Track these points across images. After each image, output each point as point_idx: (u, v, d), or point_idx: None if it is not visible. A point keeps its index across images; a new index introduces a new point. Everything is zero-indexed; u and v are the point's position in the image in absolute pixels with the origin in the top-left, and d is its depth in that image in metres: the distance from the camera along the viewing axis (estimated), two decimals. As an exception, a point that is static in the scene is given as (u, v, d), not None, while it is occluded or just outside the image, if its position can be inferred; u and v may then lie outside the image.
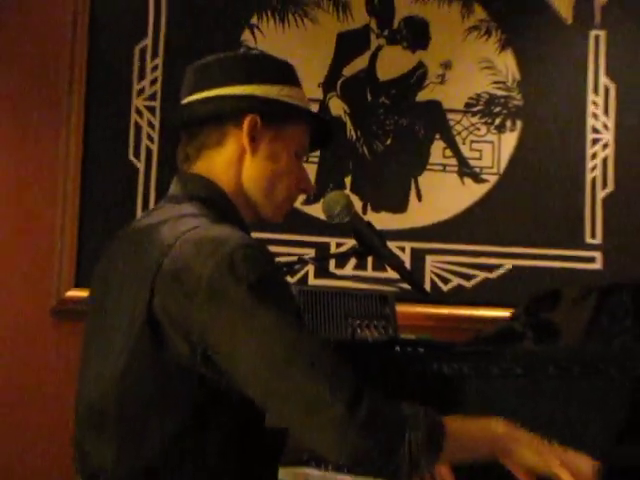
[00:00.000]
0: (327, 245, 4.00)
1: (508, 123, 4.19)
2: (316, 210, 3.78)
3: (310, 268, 3.95)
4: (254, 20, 4.07)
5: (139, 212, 3.91)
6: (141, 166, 3.96)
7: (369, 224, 2.53)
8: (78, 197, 3.88)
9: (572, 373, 2.08)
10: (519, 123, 4.19)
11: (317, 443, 1.68)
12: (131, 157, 3.96)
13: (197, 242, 1.77)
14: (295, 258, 2.84)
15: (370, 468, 1.71)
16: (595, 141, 4.21)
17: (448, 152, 4.15)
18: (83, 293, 3.70)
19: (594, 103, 4.22)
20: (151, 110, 3.98)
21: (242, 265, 1.73)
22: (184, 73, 2.07)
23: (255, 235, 1.99)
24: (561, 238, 4.15)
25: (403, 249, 4.05)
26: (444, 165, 4.15)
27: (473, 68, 4.18)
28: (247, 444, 1.81)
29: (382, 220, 3.98)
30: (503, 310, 3.60)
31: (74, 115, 3.89)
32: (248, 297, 1.71)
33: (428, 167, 4.13)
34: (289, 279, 3.83)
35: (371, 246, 2.51)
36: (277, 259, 2.63)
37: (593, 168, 4.20)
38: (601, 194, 4.19)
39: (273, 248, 3.77)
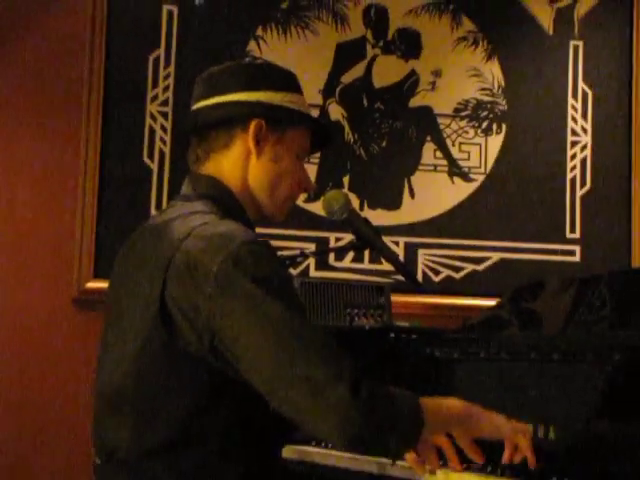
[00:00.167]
0: (327, 240, 4.00)
1: (494, 126, 4.19)
2: (316, 207, 3.78)
3: (311, 261, 3.95)
4: (259, 32, 4.07)
5: (152, 209, 3.91)
6: (154, 167, 3.96)
7: (366, 220, 2.53)
8: (96, 195, 3.88)
9: (553, 358, 2.08)
10: (504, 126, 4.19)
11: (320, 426, 1.67)
12: (145, 158, 3.95)
13: (206, 237, 1.77)
14: (297, 252, 2.85)
15: (367, 447, 1.71)
16: (574, 143, 4.21)
17: (439, 153, 4.15)
18: (102, 284, 3.72)
19: (573, 108, 4.22)
20: (164, 115, 3.98)
21: (248, 260, 1.73)
22: (194, 81, 2.08)
23: (260, 231, 2.00)
24: (543, 233, 4.15)
25: (397, 243, 4.05)
26: (435, 165, 4.14)
27: (462, 76, 4.18)
28: (253, 426, 1.81)
29: (378, 216, 3.98)
30: (490, 300, 3.58)
31: (93, 119, 3.89)
32: (253, 290, 1.71)
33: (420, 167, 4.13)
34: (292, 271, 3.84)
35: (368, 240, 2.51)
36: (280, 253, 2.65)
37: (572, 168, 4.20)
38: (580, 192, 4.19)
39: (277, 243, 3.77)
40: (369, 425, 1.66)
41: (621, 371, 1.95)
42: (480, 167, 4.16)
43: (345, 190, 3.98)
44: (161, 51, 4.00)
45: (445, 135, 4.15)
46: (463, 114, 4.17)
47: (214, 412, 1.78)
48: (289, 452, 2.38)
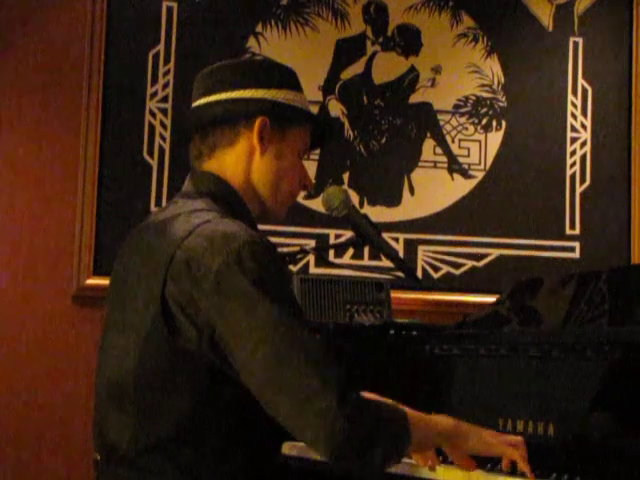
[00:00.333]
0: (327, 236, 4.00)
1: (494, 123, 4.19)
2: (316, 204, 3.78)
3: (311, 258, 3.96)
4: (259, 28, 4.07)
5: (152, 205, 3.92)
6: (154, 163, 3.96)
7: (365, 217, 2.53)
8: (96, 192, 3.88)
9: (552, 355, 2.09)
10: (504, 123, 4.19)
11: (306, 434, 1.68)
12: (145, 155, 3.96)
13: (208, 236, 1.78)
14: (297, 248, 2.85)
15: (351, 459, 1.71)
16: (574, 139, 4.21)
17: (438, 150, 4.15)
18: (101, 281, 3.73)
19: (573, 104, 4.22)
20: (163, 112, 3.98)
21: (249, 260, 1.73)
22: (194, 78, 2.08)
23: (260, 227, 2.01)
24: (543, 229, 4.16)
25: (397, 240, 4.06)
26: (435, 162, 4.15)
27: (461, 72, 4.18)
28: (253, 423, 1.81)
29: (377, 213, 3.98)
30: (489, 296, 3.60)
31: (92, 116, 3.89)
32: (252, 290, 1.71)
33: (420, 164, 4.14)
34: (292, 268, 3.84)
35: (367, 237, 2.51)
36: (281, 249, 2.65)
37: (572, 165, 4.20)
38: (579, 189, 4.19)
39: (277, 239, 3.78)
40: (354, 437, 1.66)
41: (620, 367, 1.95)
42: (480, 163, 4.16)
43: (345, 187, 3.98)
44: (161, 47, 4.00)
45: (445, 131, 4.15)
46: (463, 110, 4.17)
47: (214, 409, 1.79)
48: (288, 449, 2.38)
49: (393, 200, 4.10)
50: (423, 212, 4.11)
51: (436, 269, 4.09)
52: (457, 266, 4.10)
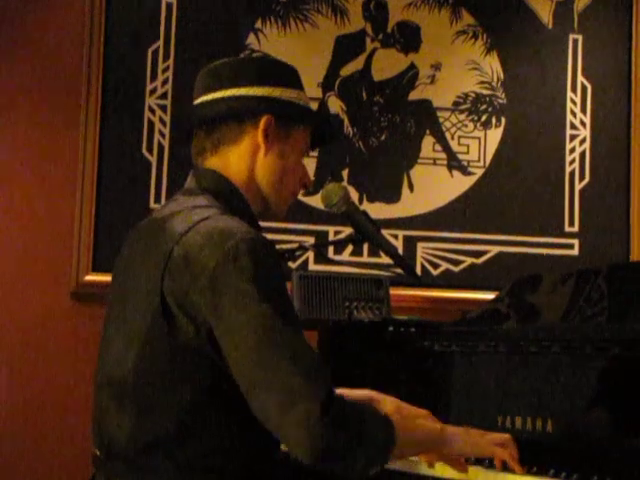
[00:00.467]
0: (326, 233, 4.01)
1: (493, 120, 4.19)
2: (316, 201, 3.78)
3: (310, 254, 3.96)
4: (258, 24, 4.07)
5: (151, 202, 3.92)
6: (153, 160, 3.96)
7: (365, 213, 2.53)
8: (95, 188, 3.88)
9: (551, 351, 2.09)
10: (503, 120, 4.19)
11: (288, 437, 1.68)
12: (144, 151, 3.96)
13: (207, 233, 1.78)
14: (296, 245, 2.85)
15: (331, 465, 1.72)
16: (573, 137, 4.22)
17: (438, 147, 4.15)
18: (100, 277, 3.73)
19: (572, 101, 4.22)
20: (163, 108, 3.98)
21: (245, 258, 1.73)
22: (195, 74, 2.07)
23: (260, 224, 2.01)
24: (542, 226, 4.16)
25: (396, 236, 4.06)
26: (434, 159, 4.15)
27: (461, 69, 4.18)
28: (253, 420, 1.81)
29: (377, 210, 3.98)
30: (488, 293, 3.61)
31: (91, 112, 3.89)
32: (246, 289, 1.71)
33: (419, 161, 4.14)
34: (291, 264, 3.84)
35: (367, 234, 2.51)
36: (280, 246, 2.65)
37: (571, 162, 4.21)
38: (579, 186, 4.20)
39: (276, 236, 3.78)
40: (335, 443, 1.67)
41: (619, 364, 1.96)
42: (479, 160, 4.16)
43: (344, 183, 3.98)
44: (160, 44, 4.00)
45: (444, 128, 4.15)
46: (462, 107, 4.18)
47: (214, 406, 1.79)
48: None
49: (392, 197, 4.10)
50: (422, 209, 4.11)
51: (435, 266, 4.09)
52: (456, 263, 4.10)
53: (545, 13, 4.23)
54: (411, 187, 4.11)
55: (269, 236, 1.92)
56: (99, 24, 3.92)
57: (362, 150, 4.10)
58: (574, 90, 4.23)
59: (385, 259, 3.53)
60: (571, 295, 2.38)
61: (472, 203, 4.13)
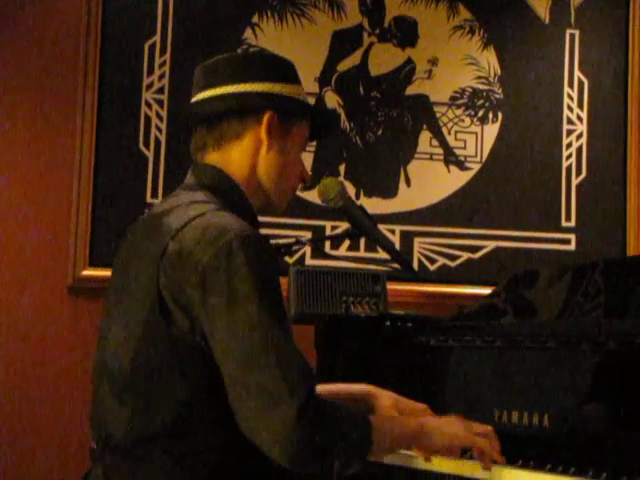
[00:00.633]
0: (323, 228, 4.01)
1: (490, 115, 4.19)
2: (312, 195, 3.78)
3: (307, 249, 3.96)
4: (255, 19, 4.07)
5: (148, 197, 3.92)
6: (150, 155, 3.96)
7: (362, 208, 2.53)
8: (92, 183, 3.88)
9: (547, 347, 2.09)
10: (500, 115, 4.20)
11: (263, 439, 1.70)
12: (141, 146, 3.96)
13: (202, 229, 1.78)
14: (293, 240, 2.85)
15: (306, 467, 1.73)
16: (570, 132, 4.22)
17: (435, 142, 4.15)
18: (97, 272, 3.74)
19: (569, 96, 4.23)
20: (159, 103, 3.98)
21: (239, 255, 1.74)
22: (192, 68, 2.07)
23: (258, 218, 2.01)
24: (539, 221, 4.16)
25: (393, 231, 4.06)
26: (431, 154, 4.15)
27: (458, 64, 4.18)
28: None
29: (374, 205, 3.98)
30: (485, 288, 3.61)
31: (88, 107, 3.89)
32: (238, 287, 1.72)
33: (416, 156, 4.14)
34: (288, 259, 3.85)
35: (363, 229, 2.51)
36: (277, 241, 2.65)
37: (568, 157, 4.21)
38: (575, 181, 4.20)
39: (273, 231, 3.78)
40: (310, 446, 1.68)
41: (616, 359, 1.96)
42: (476, 155, 4.17)
43: (341, 178, 3.99)
44: (157, 39, 4.00)
45: (441, 123, 4.16)
46: (459, 102, 4.18)
47: (211, 400, 1.79)
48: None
49: (389, 192, 4.10)
50: (419, 204, 4.11)
51: (432, 261, 4.09)
52: (453, 258, 4.10)
53: (542, 8, 4.23)
54: (408, 182, 4.11)
55: (266, 231, 1.93)
56: (96, 18, 3.92)
57: (359, 145, 4.10)
58: (571, 85, 4.23)
59: (382, 254, 3.53)
60: (568, 290, 2.38)
61: (469, 198, 4.13)
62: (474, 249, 4.12)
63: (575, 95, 4.23)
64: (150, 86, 3.98)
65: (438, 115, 4.15)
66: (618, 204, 4.19)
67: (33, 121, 3.89)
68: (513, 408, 2.12)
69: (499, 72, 4.20)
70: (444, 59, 4.17)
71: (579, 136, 4.22)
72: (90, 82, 3.89)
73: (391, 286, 3.45)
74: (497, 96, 4.19)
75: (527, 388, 2.12)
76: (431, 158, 4.14)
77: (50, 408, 3.80)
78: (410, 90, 4.15)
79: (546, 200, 4.17)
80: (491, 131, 4.18)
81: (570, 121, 4.22)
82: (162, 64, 4.00)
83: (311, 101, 3.92)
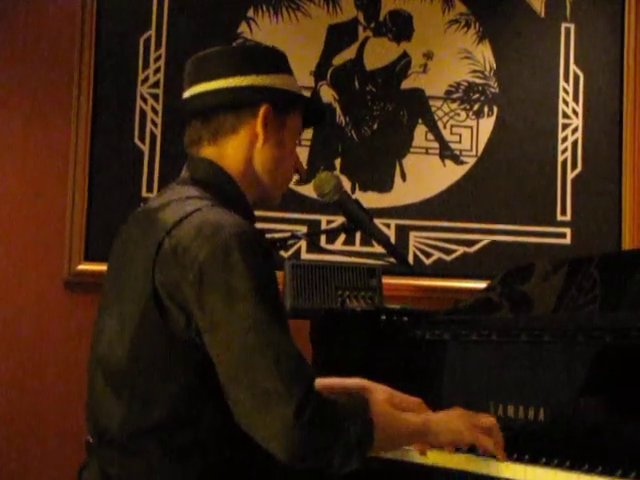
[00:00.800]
0: (318, 222, 4.00)
1: (485, 109, 4.19)
2: (308, 190, 3.78)
3: (302, 243, 3.96)
4: (250, 13, 4.06)
5: (143, 191, 3.91)
6: (145, 149, 3.95)
7: (357, 202, 2.54)
8: (87, 178, 3.87)
9: (543, 340, 2.10)
10: (496, 109, 4.19)
11: (262, 436, 1.70)
12: (136, 141, 3.95)
13: (197, 225, 1.78)
14: (289, 234, 2.85)
15: (306, 464, 1.73)
16: (565, 126, 4.22)
17: (430, 136, 4.15)
18: (92, 267, 3.73)
19: (565, 90, 4.23)
20: (155, 97, 3.97)
21: (236, 252, 1.73)
22: (186, 63, 2.07)
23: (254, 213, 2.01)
24: (534, 215, 4.16)
25: (389, 225, 4.06)
26: (426, 148, 4.15)
27: (453, 58, 4.18)
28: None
29: (369, 199, 3.98)
30: (480, 282, 3.61)
31: (83, 101, 3.88)
32: (235, 285, 1.71)
33: (412, 150, 4.13)
34: (283, 253, 3.85)
35: (359, 223, 2.52)
36: (272, 235, 2.65)
37: (564, 151, 4.21)
38: (571, 175, 4.20)
39: (269, 225, 3.78)
40: (309, 445, 1.68)
41: (611, 353, 1.96)
42: (471, 150, 4.17)
43: (336, 172, 3.98)
44: (152, 32, 3.99)
45: (437, 117, 4.15)
46: (455, 96, 4.17)
47: (207, 396, 1.79)
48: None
49: (385, 186, 4.10)
50: (415, 198, 4.11)
51: (427, 255, 4.09)
52: (448, 252, 4.11)
53: (537, 2, 4.23)
54: (403, 176, 4.11)
55: (261, 225, 1.93)
56: (91, 13, 3.91)
57: (354, 139, 4.10)
58: (566, 79, 4.23)
59: (378, 248, 3.53)
60: (563, 284, 2.38)
61: (464, 192, 4.13)
62: (470, 243, 4.12)
63: (570, 89, 4.23)
64: (145, 80, 3.98)
65: (433, 109, 4.15)
66: (613, 198, 4.19)
67: (28, 116, 3.89)
68: (509, 402, 2.12)
69: (494, 66, 4.20)
70: (439, 53, 4.17)
71: (574, 130, 4.22)
72: (85, 76, 3.89)
73: (387, 280, 3.45)
74: (492, 90, 4.19)
75: (523, 382, 2.12)
76: (426, 152, 4.14)
77: (46, 402, 3.80)
78: (405, 84, 4.15)
79: (542, 194, 4.17)
80: (486, 125, 4.18)
81: (565, 115, 4.22)
82: (157, 58, 3.99)
83: (305, 94, 3.91)
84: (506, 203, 4.14)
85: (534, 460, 1.94)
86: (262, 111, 1.96)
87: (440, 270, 4.08)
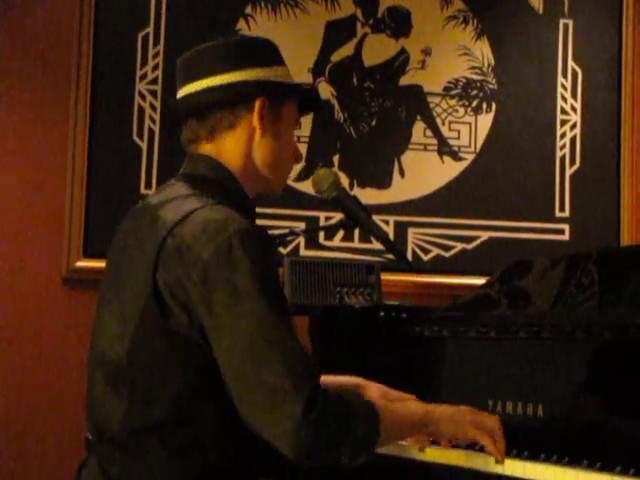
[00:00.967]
0: (317, 219, 4.01)
1: (484, 105, 4.19)
2: (306, 186, 3.78)
3: (301, 240, 3.96)
4: (248, 10, 4.06)
5: (142, 188, 3.91)
6: (144, 145, 3.95)
7: (355, 199, 2.53)
8: (85, 174, 3.87)
9: (541, 337, 2.10)
10: (494, 105, 4.19)
11: (271, 434, 1.70)
12: (134, 137, 3.95)
13: (200, 224, 1.78)
14: (287, 231, 2.85)
15: (315, 461, 1.73)
16: (564, 122, 4.22)
17: (428, 132, 4.15)
18: (91, 263, 3.73)
19: (563, 86, 4.22)
20: (153, 94, 3.97)
21: (239, 251, 1.73)
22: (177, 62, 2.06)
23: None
24: (533, 211, 4.16)
25: (387, 222, 4.06)
26: (425, 144, 4.15)
27: (451, 54, 4.18)
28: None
29: (367, 195, 3.98)
30: (479, 278, 3.61)
31: (81, 98, 3.88)
32: (240, 283, 1.71)
33: (410, 146, 4.13)
34: (281, 250, 3.84)
35: (357, 219, 2.51)
36: (271, 232, 2.65)
37: (562, 147, 4.21)
38: (569, 171, 4.20)
39: (267, 222, 3.78)
40: (317, 442, 1.68)
41: (609, 349, 1.96)
42: (470, 146, 4.16)
43: (335, 169, 3.98)
44: (150, 29, 3.99)
45: (435, 114, 4.15)
46: (453, 93, 4.17)
47: (207, 394, 1.79)
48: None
49: (383, 182, 4.10)
50: (413, 194, 4.11)
51: (426, 251, 4.09)
52: (447, 248, 4.11)
53: (536, -2, 4.23)
54: (402, 173, 4.11)
55: (260, 222, 1.92)
56: (89, 9, 3.91)
57: (353, 136, 4.10)
58: (565, 75, 4.23)
59: (376, 245, 3.51)
60: (561, 280, 2.38)
61: (463, 189, 4.13)
62: (468, 239, 4.12)
63: (569, 85, 4.23)
64: (143, 77, 3.97)
65: (432, 105, 4.15)
66: (612, 194, 4.19)
67: (26, 112, 3.88)
68: (507, 398, 2.12)
69: (493, 62, 4.19)
70: (438, 49, 4.16)
71: (573, 126, 4.22)
72: (83, 73, 3.88)
73: (385, 276, 3.45)
74: (491, 86, 4.19)
75: (521, 378, 2.12)
76: (425, 149, 4.14)
77: (45, 398, 3.80)
78: (404, 80, 4.15)
79: (540, 190, 4.17)
80: (485, 121, 4.18)
81: (564, 111, 4.22)
82: (155, 55, 3.99)
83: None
84: (504, 199, 4.14)
85: (533, 456, 1.94)
86: (257, 105, 1.96)
87: (439, 266, 4.08)
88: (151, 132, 3.95)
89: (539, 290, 2.46)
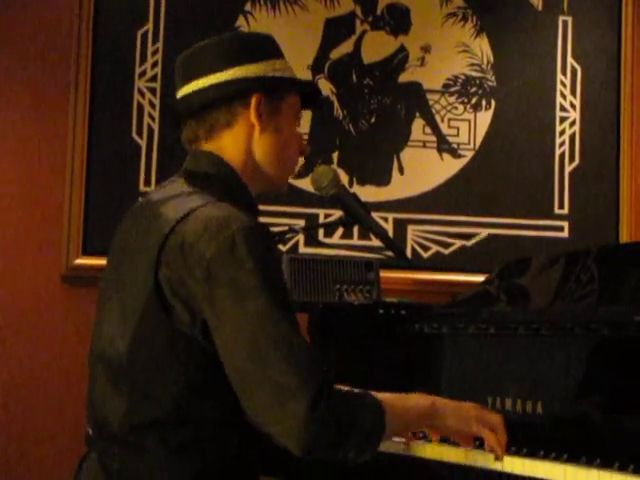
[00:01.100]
0: (316, 216, 4.00)
1: (483, 102, 4.19)
2: (306, 183, 3.77)
3: (300, 237, 3.96)
4: (248, 7, 4.05)
5: (141, 185, 3.91)
6: (143, 143, 3.95)
7: (355, 196, 2.53)
8: (84, 172, 3.87)
9: (541, 334, 2.10)
10: (493, 102, 4.19)
11: (277, 431, 1.70)
12: (134, 134, 3.95)
13: (203, 221, 1.77)
14: (286, 228, 2.85)
15: (321, 457, 1.73)
16: (563, 119, 4.21)
17: (428, 129, 4.15)
18: (90, 261, 3.73)
19: (562, 84, 4.22)
20: (152, 91, 3.97)
21: (242, 248, 1.73)
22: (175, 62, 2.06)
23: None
24: (532, 209, 4.16)
25: (386, 219, 4.06)
26: (424, 142, 4.15)
27: (451, 51, 4.18)
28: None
29: (367, 192, 3.98)
30: (478, 275, 3.60)
31: (81, 95, 3.88)
32: (244, 280, 1.71)
33: (409, 143, 4.13)
34: (281, 247, 3.84)
35: (357, 216, 2.51)
36: (270, 229, 2.65)
37: (561, 144, 4.21)
38: (568, 168, 4.20)
39: (267, 219, 3.77)
40: (323, 439, 1.69)
41: (609, 346, 1.96)
42: (469, 143, 4.16)
43: (334, 166, 3.98)
44: (149, 26, 3.99)
45: (434, 111, 4.15)
46: (452, 90, 4.17)
47: (208, 393, 1.79)
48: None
49: (382, 179, 4.10)
50: (412, 192, 4.11)
51: (425, 248, 4.09)
52: (446, 245, 4.11)
53: (535, -5, 4.23)
54: (401, 170, 4.11)
55: (259, 219, 1.92)
56: (88, 6, 3.90)
57: (352, 133, 4.10)
58: (564, 72, 4.23)
59: (375, 242, 3.52)
60: (561, 277, 2.38)
61: (462, 186, 4.13)
62: (467, 237, 4.12)
63: (568, 82, 4.23)
64: (143, 74, 3.97)
65: (431, 102, 4.15)
66: (611, 191, 4.19)
67: (26, 109, 3.88)
68: (506, 395, 2.12)
69: (492, 59, 4.19)
70: (437, 46, 4.16)
71: (572, 123, 4.22)
72: (82, 70, 3.88)
73: (384, 274, 3.45)
74: (490, 83, 4.19)
75: (520, 375, 2.12)
76: (424, 146, 4.14)
77: (44, 396, 3.80)
78: (403, 78, 4.14)
79: (539, 187, 4.17)
80: (484, 118, 4.18)
81: (563, 108, 4.21)
82: (155, 52, 3.99)
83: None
84: (504, 196, 4.14)
85: (532, 453, 1.94)
86: (253, 101, 1.95)
87: (438, 263, 4.08)
88: (150, 130, 3.95)
89: (538, 287, 2.46)
